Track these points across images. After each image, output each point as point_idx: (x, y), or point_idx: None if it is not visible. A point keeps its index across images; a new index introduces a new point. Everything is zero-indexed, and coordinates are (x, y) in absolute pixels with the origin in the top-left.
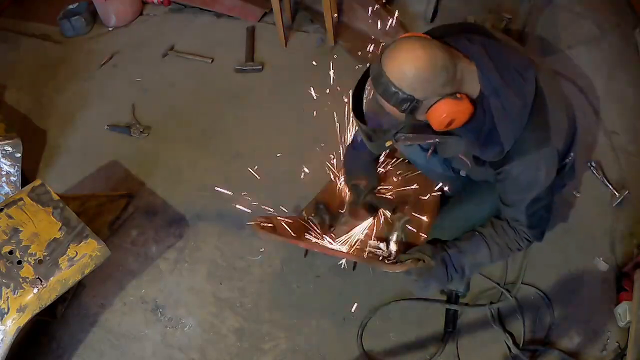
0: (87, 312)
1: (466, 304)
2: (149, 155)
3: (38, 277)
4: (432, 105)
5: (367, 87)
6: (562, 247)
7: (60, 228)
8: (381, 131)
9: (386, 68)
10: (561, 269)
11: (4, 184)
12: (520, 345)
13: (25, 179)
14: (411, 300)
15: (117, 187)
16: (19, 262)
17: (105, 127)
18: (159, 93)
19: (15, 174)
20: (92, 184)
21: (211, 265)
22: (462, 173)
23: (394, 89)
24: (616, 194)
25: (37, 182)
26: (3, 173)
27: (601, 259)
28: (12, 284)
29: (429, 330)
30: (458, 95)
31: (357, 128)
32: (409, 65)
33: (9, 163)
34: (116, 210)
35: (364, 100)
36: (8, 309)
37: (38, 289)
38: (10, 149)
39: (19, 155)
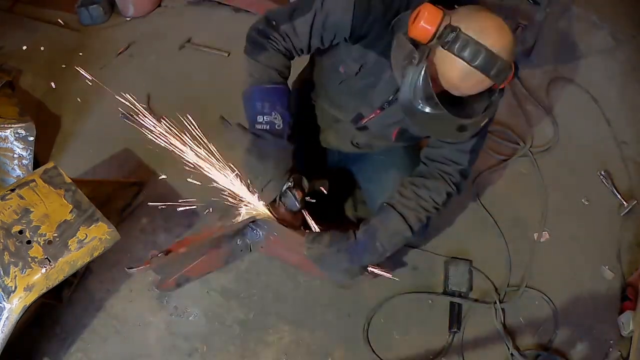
0: (93, 297)
1: (475, 300)
2: (162, 145)
3: (47, 257)
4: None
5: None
6: (568, 254)
7: (71, 210)
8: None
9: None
10: (567, 275)
11: (16, 167)
12: (523, 349)
13: (37, 164)
14: (416, 295)
15: (129, 175)
16: (29, 242)
17: (120, 115)
18: (175, 84)
19: (28, 157)
20: (104, 171)
21: None
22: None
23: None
24: (624, 203)
25: (49, 164)
26: (15, 156)
27: (607, 267)
28: (20, 263)
29: (433, 330)
30: None
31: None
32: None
33: (21, 146)
34: (127, 198)
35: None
36: (15, 287)
37: (46, 269)
38: (23, 132)
39: (32, 139)
